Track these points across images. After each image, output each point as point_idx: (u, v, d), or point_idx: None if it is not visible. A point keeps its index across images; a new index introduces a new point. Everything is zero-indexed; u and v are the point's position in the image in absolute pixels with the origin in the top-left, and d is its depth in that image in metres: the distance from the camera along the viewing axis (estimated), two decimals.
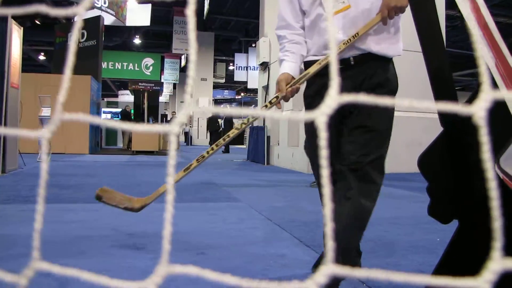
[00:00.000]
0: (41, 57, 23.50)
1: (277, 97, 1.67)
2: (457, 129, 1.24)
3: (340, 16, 1.65)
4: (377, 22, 1.60)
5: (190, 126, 23.14)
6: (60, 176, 5.78)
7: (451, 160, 1.29)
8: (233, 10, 19.63)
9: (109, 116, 20.93)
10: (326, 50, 1.71)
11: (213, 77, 23.59)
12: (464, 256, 1.26)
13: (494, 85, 1.15)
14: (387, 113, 1.63)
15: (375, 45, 1.65)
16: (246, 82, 23.86)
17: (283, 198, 4.50)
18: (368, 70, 1.66)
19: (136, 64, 23.23)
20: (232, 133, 1.71)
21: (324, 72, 1.65)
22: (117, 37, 21.08)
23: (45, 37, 18.54)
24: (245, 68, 23.18)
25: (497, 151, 1.19)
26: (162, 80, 24.58)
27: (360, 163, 1.57)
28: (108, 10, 16.55)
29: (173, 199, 0.32)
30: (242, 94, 32.74)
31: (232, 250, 2.40)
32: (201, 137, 23.45)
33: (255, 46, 14.44)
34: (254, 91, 27.34)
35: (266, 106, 1.71)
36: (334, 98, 0.28)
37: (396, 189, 5.23)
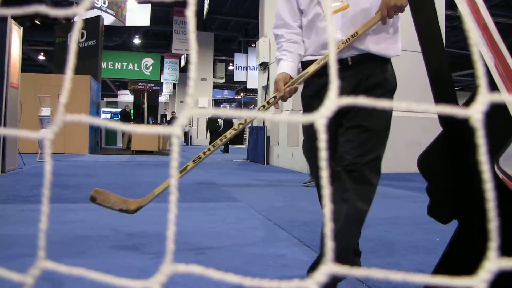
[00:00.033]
0: (41, 57, 23.50)
1: (275, 97, 1.65)
2: (456, 130, 1.24)
3: (339, 15, 1.64)
4: (376, 21, 1.59)
5: (190, 126, 23.14)
6: (60, 176, 5.79)
7: (450, 160, 1.29)
8: (233, 10, 19.63)
9: (108, 116, 20.94)
10: (324, 50, 1.70)
11: (213, 77, 23.60)
12: (464, 256, 1.26)
13: (494, 85, 1.15)
14: (385, 114, 1.62)
15: (374, 45, 1.64)
16: (245, 82, 23.87)
17: (282, 198, 4.51)
18: (366, 71, 1.65)
19: (135, 64, 23.24)
20: (230, 133, 1.69)
21: (322, 72, 1.64)
22: (116, 37, 21.08)
23: (45, 37, 18.55)
24: (244, 68, 23.18)
25: (497, 151, 1.19)
26: (162, 80, 24.58)
27: (357, 164, 1.56)
28: (108, 10, 16.55)
29: (176, 199, 0.32)
30: (241, 94, 32.73)
31: (232, 250, 2.41)
32: (201, 137, 23.46)
33: (254, 46, 14.44)
34: (254, 91, 27.34)
35: (264, 106, 1.69)
36: (333, 101, 0.29)
37: (396, 189, 5.24)
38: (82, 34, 14.14)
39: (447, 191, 1.32)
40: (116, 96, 29.06)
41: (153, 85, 21.95)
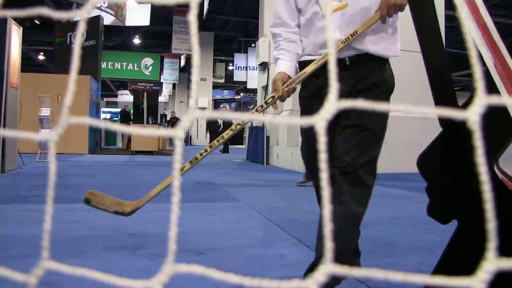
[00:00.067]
0: (41, 57, 23.49)
1: (273, 97, 1.64)
2: (455, 130, 1.24)
3: (337, 14, 1.63)
4: (376, 20, 1.58)
5: (190, 126, 23.10)
6: (60, 176, 5.78)
7: (450, 161, 1.29)
8: (233, 10, 19.63)
9: (108, 116, 20.94)
10: (322, 50, 1.68)
11: (213, 77, 23.59)
12: (463, 256, 1.26)
13: (493, 85, 1.15)
14: (382, 113, 1.61)
15: (373, 45, 1.63)
16: (245, 82, 23.86)
17: (282, 198, 4.51)
18: (364, 71, 1.63)
19: (135, 64, 23.23)
20: (227, 134, 1.67)
21: (320, 73, 1.63)
22: (116, 37, 21.06)
23: (45, 37, 18.54)
24: (244, 68, 23.18)
25: (496, 151, 1.19)
26: (162, 80, 24.57)
27: (353, 166, 1.54)
28: (108, 10, 16.54)
29: (179, 200, 0.32)
30: (241, 94, 32.73)
31: (232, 250, 2.41)
32: (201, 137, 23.46)
33: (254, 46, 14.44)
34: (254, 91, 27.33)
35: (262, 106, 1.67)
36: (333, 104, 0.29)
37: (396, 189, 5.24)
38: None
39: (447, 191, 1.32)
40: (115, 96, 29.05)
41: (152, 85, 21.92)
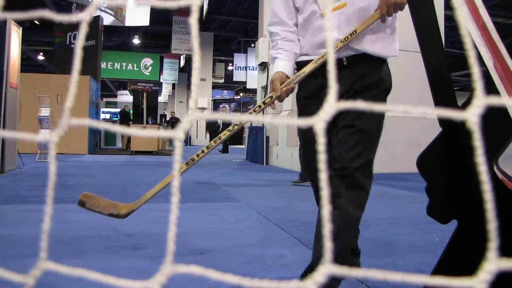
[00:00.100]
0: (40, 57, 23.49)
1: (271, 97, 1.62)
2: (455, 130, 1.25)
3: (336, 14, 1.61)
4: (375, 19, 1.56)
5: (190, 127, 23.11)
6: (60, 176, 5.78)
7: (450, 161, 1.29)
8: (232, 10, 19.63)
9: (108, 116, 20.93)
10: (320, 49, 1.66)
11: (212, 77, 23.59)
12: (463, 256, 1.26)
13: (493, 86, 1.15)
14: (378, 114, 1.59)
15: (371, 45, 1.62)
16: (245, 82, 23.87)
17: (282, 198, 4.51)
18: (361, 71, 1.62)
19: (135, 64, 23.24)
20: (224, 135, 1.66)
21: (318, 73, 1.61)
22: (116, 37, 21.07)
23: (44, 37, 18.53)
24: (244, 68, 23.18)
25: (496, 151, 1.19)
26: (161, 80, 24.58)
27: (349, 168, 1.53)
28: (107, 10, 16.54)
29: (178, 201, 0.32)
30: (241, 94, 32.73)
31: (231, 250, 2.41)
32: (200, 137, 23.47)
33: (254, 46, 14.45)
34: (253, 91, 27.34)
35: (259, 106, 1.65)
36: (333, 105, 0.29)
37: (395, 189, 5.24)
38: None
39: (447, 191, 1.32)
40: (115, 96, 29.05)
41: (152, 85, 21.89)
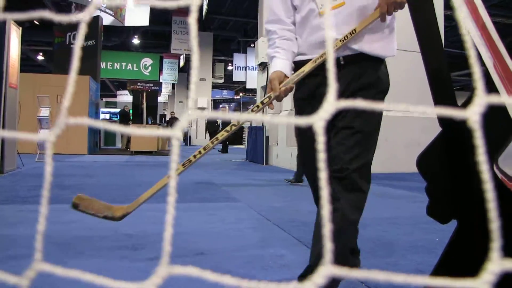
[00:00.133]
0: (40, 57, 23.48)
1: (269, 97, 1.60)
2: (455, 130, 1.24)
3: (333, 13, 1.59)
4: (375, 18, 1.55)
5: (189, 126, 23.14)
6: (59, 177, 5.78)
7: (450, 160, 1.29)
8: (232, 10, 19.63)
9: (107, 116, 20.93)
10: (318, 49, 1.64)
11: (212, 77, 23.59)
12: (463, 256, 1.26)
13: (492, 85, 1.15)
14: (375, 115, 1.59)
15: (369, 45, 1.60)
16: (244, 82, 23.87)
17: (282, 198, 4.51)
18: (358, 70, 1.60)
19: (134, 64, 23.23)
20: (222, 135, 1.64)
21: (316, 73, 1.60)
22: (115, 37, 21.07)
23: (44, 37, 18.54)
24: (243, 68, 23.19)
25: (496, 151, 1.19)
26: (161, 80, 24.58)
27: (347, 170, 1.52)
28: (107, 10, 16.54)
29: (175, 200, 0.32)
30: (241, 94, 32.73)
31: (231, 250, 2.41)
32: (200, 137, 23.46)
33: (254, 46, 14.44)
34: (253, 91, 27.35)
35: (257, 106, 1.63)
36: (332, 104, 0.29)
37: (395, 189, 5.24)
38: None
39: (446, 191, 1.32)
40: (115, 96, 29.05)
41: (152, 85, 21.93)
